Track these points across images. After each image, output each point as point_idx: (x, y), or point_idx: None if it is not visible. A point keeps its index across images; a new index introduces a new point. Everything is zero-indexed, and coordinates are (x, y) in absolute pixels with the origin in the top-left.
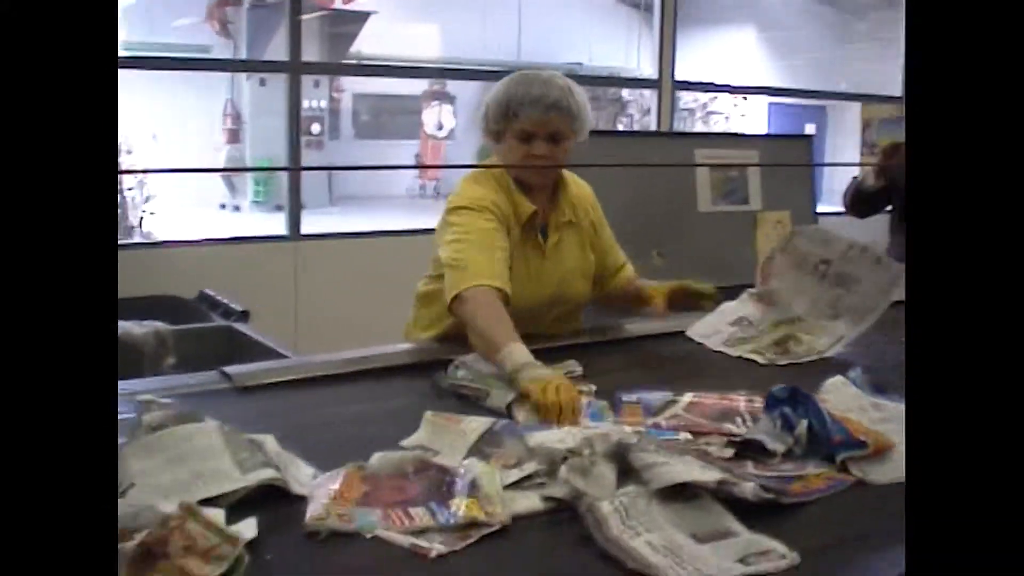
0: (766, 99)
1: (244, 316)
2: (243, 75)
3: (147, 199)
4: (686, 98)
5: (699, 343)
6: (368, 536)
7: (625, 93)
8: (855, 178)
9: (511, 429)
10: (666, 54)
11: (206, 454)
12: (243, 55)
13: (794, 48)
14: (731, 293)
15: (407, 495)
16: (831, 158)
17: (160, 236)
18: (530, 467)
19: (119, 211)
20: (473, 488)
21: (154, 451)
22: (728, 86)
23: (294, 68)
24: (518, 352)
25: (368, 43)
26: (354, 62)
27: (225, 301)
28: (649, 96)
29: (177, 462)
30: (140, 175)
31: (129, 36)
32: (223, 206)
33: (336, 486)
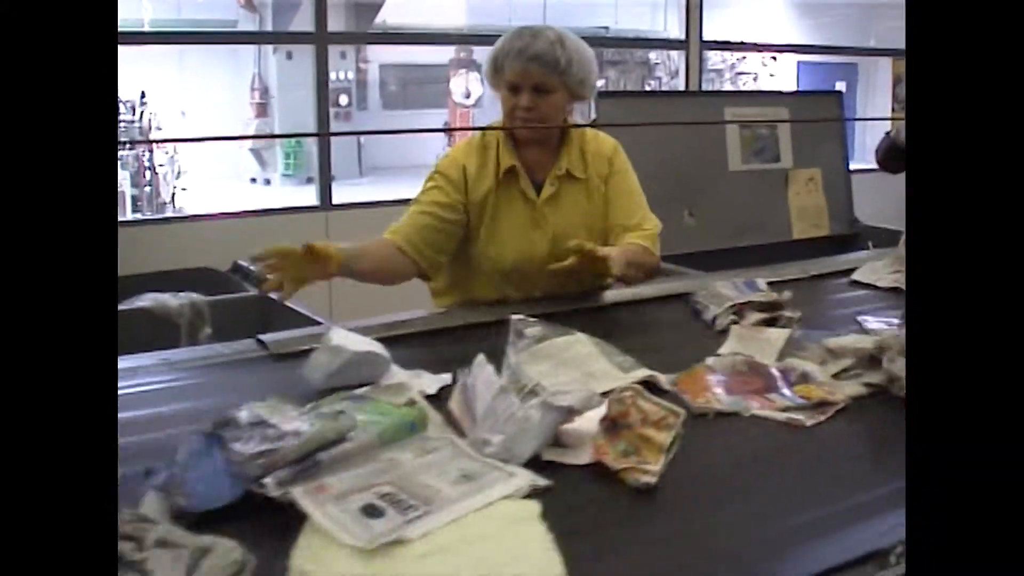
0: (795, 58)
1: None
2: (269, 49)
3: (179, 175)
4: (714, 59)
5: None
6: (747, 415)
7: (652, 56)
8: (887, 133)
9: (809, 336)
10: (693, 14)
11: (587, 360)
12: (269, 28)
13: (823, 6)
14: (765, 250)
15: (757, 386)
16: (863, 115)
17: (192, 211)
18: (845, 362)
19: (151, 187)
20: (806, 378)
21: (542, 358)
22: (756, 44)
23: (320, 39)
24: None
25: (393, 13)
26: (380, 31)
27: (258, 272)
28: (677, 58)
29: (565, 365)
30: (172, 151)
31: (156, 13)
32: (254, 180)
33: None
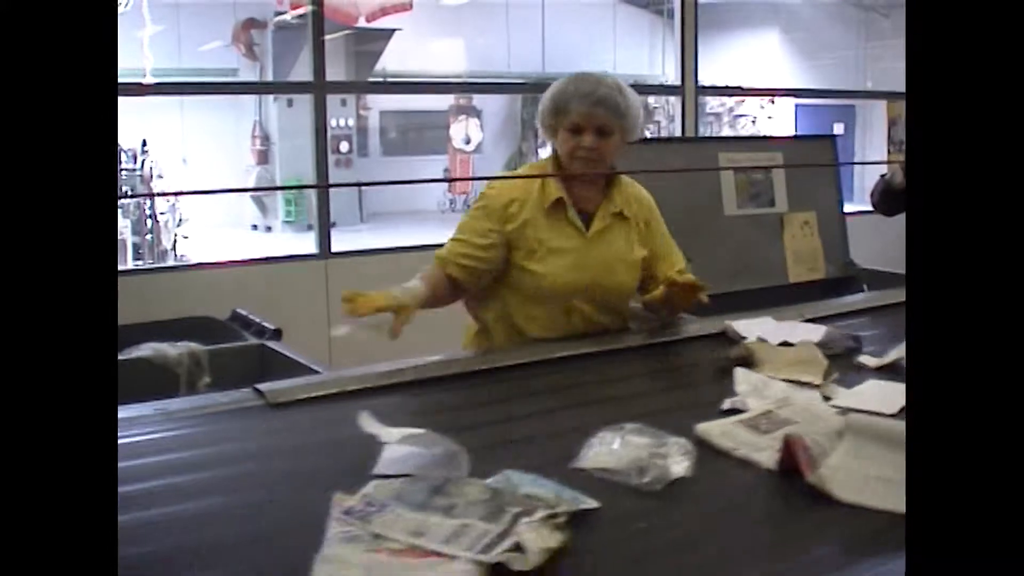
0: (793, 101)
1: (277, 334)
2: (270, 96)
3: (180, 222)
4: (713, 103)
5: None
6: None
7: (652, 100)
8: (883, 176)
9: None
10: (688, 60)
11: None
12: (269, 76)
13: (820, 48)
14: (761, 295)
15: None
16: (860, 157)
17: (194, 258)
18: None
19: (152, 236)
20: None
21: None
22: (751, 89)
23: (319, 88)
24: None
25: (393, 60)
26: (379, 79)
27: (257, 320)
28: (675, 102)
29: None
30: (172, 199)
31: (157, 63)
32: (255, 227)
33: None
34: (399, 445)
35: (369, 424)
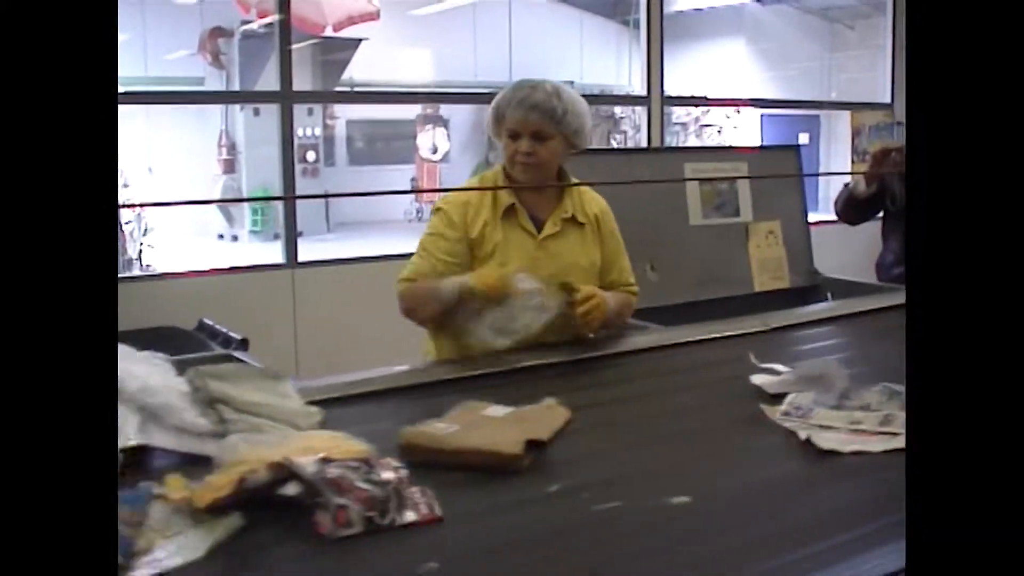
0: (759, 111)
1: (243, 344)
2: (237, 105)
3: (145, 232)
4: (679, 112)
5: None
6: None
7: (618, 110)
8: (846, 185)
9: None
10: (654, 70)
11: None
12: (236, 85)
13: (786, 59)
14: (726, 304)
15: None
16: (825, 166)
17: (159, 268)
18: None
19: (118, 245)
20: None
21: None
22: (715, 99)
23: (285, 98)
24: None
25: (360, 69)
26: (346, 89)
27: (224, 330)
28: (641, 112)
29: None
30: (137, 208)
31: (123, 71)
32: (221, 236)
33: None
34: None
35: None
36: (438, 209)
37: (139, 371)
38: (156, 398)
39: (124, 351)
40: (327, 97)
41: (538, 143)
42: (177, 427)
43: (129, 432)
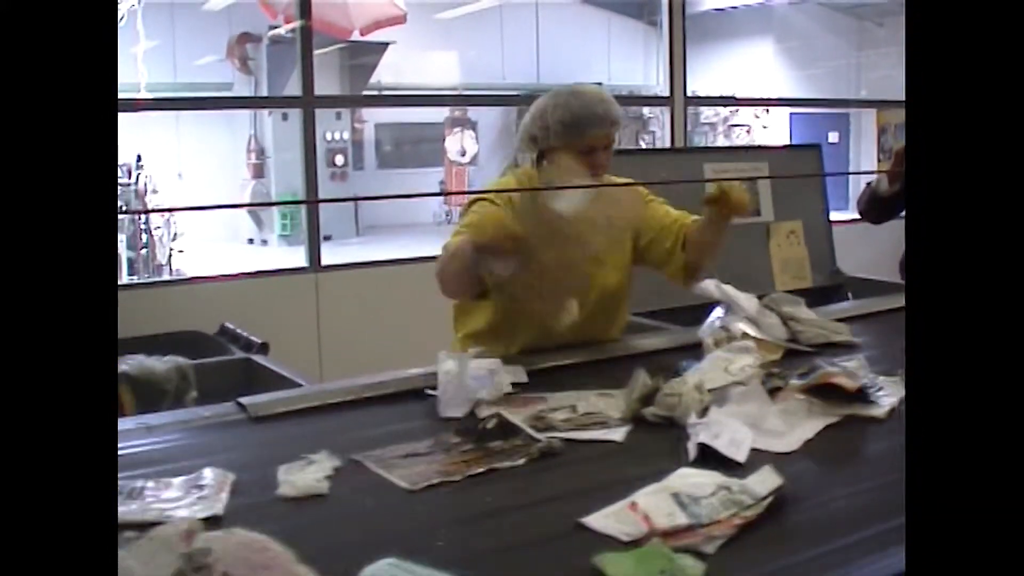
0: (788, 110)
1: (264, 348)
2: (265, 110)
3: (175, 237)
4: (708, 112)
5: None
6: None
7: (647, 111)
8: (869, 184)
9: None
10: (677, 70)
11: None
12: (264, 90)
13: (814, 58)
14: None
15: None
16: (855, 165)
17: (189, 273)
18: None
19: (147, 250)
20: None
21: None
22: (739, 99)
23: (308, 103)
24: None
25: (387, 73)
26: (373, 93)
27: (245, 334)
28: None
29: None
30: (167, 214)
31: (152, 77)
32: (251, 240)
33: None
34: None
35: None
36: (476, 204)
37: None
38: None
39: None
40: (351, 101)
41: (606, 152)
42: None
43: None
